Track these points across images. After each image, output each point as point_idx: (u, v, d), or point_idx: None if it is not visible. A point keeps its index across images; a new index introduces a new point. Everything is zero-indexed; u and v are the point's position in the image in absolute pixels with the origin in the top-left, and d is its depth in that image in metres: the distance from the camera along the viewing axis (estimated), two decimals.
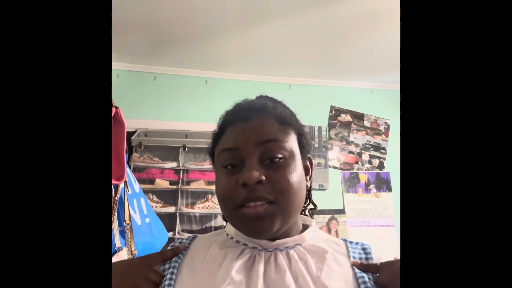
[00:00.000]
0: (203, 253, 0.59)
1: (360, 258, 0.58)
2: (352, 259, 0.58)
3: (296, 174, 0.55)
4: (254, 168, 0.52)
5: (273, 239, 0.56)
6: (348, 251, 0.59)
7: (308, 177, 0.61)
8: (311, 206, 0.65)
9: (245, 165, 0.54)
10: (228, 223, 0.62)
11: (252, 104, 0.61)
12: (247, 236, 0.56)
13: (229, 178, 0.55)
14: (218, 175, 0.58)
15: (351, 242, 0.62)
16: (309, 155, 0.62)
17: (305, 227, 0.62)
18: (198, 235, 0.65)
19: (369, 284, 0.53)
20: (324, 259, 0.56)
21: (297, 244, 0.58)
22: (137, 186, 1.61)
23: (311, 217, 0.66)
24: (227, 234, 0.61)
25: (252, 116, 0.57)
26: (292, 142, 0.57)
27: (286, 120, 0.58)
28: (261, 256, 0.55)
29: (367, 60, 2.44)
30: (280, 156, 0.54)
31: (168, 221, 2.21)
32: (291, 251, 0.56)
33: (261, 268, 0.54)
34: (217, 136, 0.61)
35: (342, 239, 0.63)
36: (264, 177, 0.52)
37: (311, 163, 0.63)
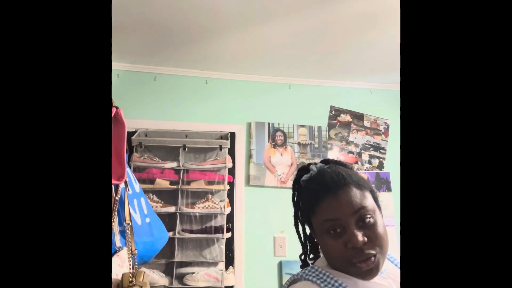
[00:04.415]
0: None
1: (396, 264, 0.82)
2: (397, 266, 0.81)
3: (383, 227, 0.72)
4: (357, 233, 0.69)
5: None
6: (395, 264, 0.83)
7: None
8: None
9: (348, 230, 0.70)
10: (323, 263, 0.77)
11: (334, 180, 0.74)
12: (360, 277, 0.72)
13: (336, 241, 0.71)
14: (323, 239, 0.74)
15: (390, 257, 0.84)
16: (379, 203, 0.78)
17: None
18: (303, 281, 0.76)
19: None
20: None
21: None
22: (137, 186, 1.61)
23: None
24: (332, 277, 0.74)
25: (338, 189, 0.72)
26: (371, 202, 0.74)
27: (361, 184, 0.75)
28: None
29: (367, 60, 2.44)
30: (369, 216, 0.71)
31: (168, 221, 2.21)
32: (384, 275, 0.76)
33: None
34: (311, 206, 0.76)
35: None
36: (366, 239, 0.69)
37: (380, 209, 0.78)
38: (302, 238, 0.85)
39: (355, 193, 0.72)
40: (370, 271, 0.70)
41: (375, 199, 0.76)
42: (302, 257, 0.85)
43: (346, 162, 0.84)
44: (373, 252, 0.69)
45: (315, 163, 0.82)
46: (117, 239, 1.34)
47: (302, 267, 0.84)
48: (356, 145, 2.74)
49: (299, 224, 0.84)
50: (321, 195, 0.74)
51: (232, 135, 2.51)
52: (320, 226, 0.74)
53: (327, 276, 0.72)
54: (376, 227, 0.71)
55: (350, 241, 0.69)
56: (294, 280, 0.76)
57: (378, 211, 0.75)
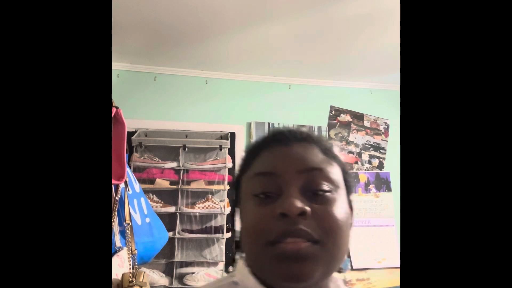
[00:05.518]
0: None
1: None
2: None
3: (345, 213, 0.46)
4: (296, 197, 0.44)
5: None
6: None
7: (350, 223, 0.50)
8: None
9: (284, 193, 0.45)
10: (240, 269, 0.50)
11: (293, 130, 0.52)
12: (280, 283, 0.43)
13: (262, 208, 0.45)
14: (246, 205, 0.48)
15: None
16: (350, 199, 0.52)
17: None
18: None
19: None
20: None
21: None
22: (137, 186, 1.61)
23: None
24: None
25: (294, 142, 0.49)
26: (338, 176, 0.49)
27: (331, 152, 0.51)
28: None
29: (367, 60, 2.44)
30: (326, 188, 0.46)
31: (168, 221, 2.21)
32: None
33: None
34: (247, 160, 0.51)
35: None
36: (308, 209, 0.43)
37: (352, 209, 0.52)
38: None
39: (316, 153, 0.49)
40: (298, 261, 0.41)
41: (347, 181, 0.51)
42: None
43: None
44: (313, 234, 0.42)
45: None
46: (117, 239, 1.34)
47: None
48: (356, 145, 2.74)
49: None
50: (266, 145, 0.50)
51: (232, 135, 2.51)
52: (248, 184, 0.49)
53: None
54: (334, 206, 0.45)
55: (281, 205, 0.43)
56: None
57: (346, 195, 0.49)
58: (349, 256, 2.46)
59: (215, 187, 2.31)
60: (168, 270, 2.21)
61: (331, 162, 0.49)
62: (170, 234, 2.14)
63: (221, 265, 2.26)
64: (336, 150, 0.53)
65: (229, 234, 2.30)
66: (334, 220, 0.44)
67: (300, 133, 0.51)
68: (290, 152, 0.48)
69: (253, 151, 0.51)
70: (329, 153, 0.50)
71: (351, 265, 2.45)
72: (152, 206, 2.00)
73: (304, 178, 0.46)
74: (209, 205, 2.26)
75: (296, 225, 0.42)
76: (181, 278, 2.19)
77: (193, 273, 2.18)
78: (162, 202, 2.24)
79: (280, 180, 0.46)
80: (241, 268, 0.50)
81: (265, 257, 0.43)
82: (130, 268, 1.35)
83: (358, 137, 2.76)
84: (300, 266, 0.41)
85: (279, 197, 0.45)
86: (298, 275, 0.42)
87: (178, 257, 2.21)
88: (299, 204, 0.43)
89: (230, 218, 0.53)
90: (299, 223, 0.42)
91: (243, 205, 0.50)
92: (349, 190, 0.51)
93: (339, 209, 0.45)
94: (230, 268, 0.49)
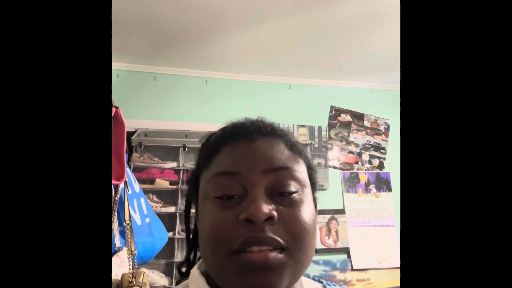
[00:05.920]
0: None
1: None
2: None
3: (312, 215, 0.44)
4: (262, 200, 0.41)
5: None
6: None
7: None
8: None
9: (249, 196, 0.42)
10: (195, 278, 0.47)
11: (256, 123, 0.50)
12: None
13: (224, 212, 0.42)
14: (205, 208, 0.44)
15: (328, 284, 0.56)
16: (315, 196, 0.51)
17: None
18: None
19: None
20: None
21: None
22: (137, 186, 1.61)
23: None
24: None
25: (259, 136, 0.46)
26: (304, 174, 0.47)
27: (297, 147, 0.48)
28: None
29: (367, 60, 2.44)
30: (293, 190, 0.43)
31: (168, 221, 2.21)
32: None
33: None
34: (207, 156, 0.48)
35: (318, 280, 0.56)
36: (276, 214, 0.40)
37: (315, 206, 0.50)
38: (191, 234, 0.57)
39: (282, 150, 0.46)
40: (265, 271, 0.39)
41: (312, 178, 0.50)
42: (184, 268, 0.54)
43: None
44: (281, 241, 0.40)
45: None
46: (116, 239, 1.34)
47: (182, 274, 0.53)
48: (357, 145, 2.74)
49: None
50: (227, 139, 0.47)
51: None
52: (208, 185, 0.45)
53: None
54: (302, 210, 0.42)
55: (246, 210, 0.40)
56: None
57: (311, 194, 0.48)
58: (349, 256, 2.46)
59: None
60: (168, 270, 2.21)
61: (297, 159, 0.47)
62: (170, 234, 2.13)
63: None
64: (301, 144, 0.51)
65: None
66: (302, 224, 0.41)
67: (264, 127, 0.48)
68: (254, 149, 0.45)
69: (213, 146, 0.48)
70: (294, 149, 0.48)
71: (351, 265, 2.45)
72: (152, 206, 2.00)
73: (270, 179, 0.43)
74: None
75: (263, 233, 0.39)
76: None
77: None
78: (162, 202, 2.24)
79: (244, 180, 0.43)
80: (195, 277, 0.47)
81: (228, 267, 0.40)
82: (129, 269, 1.35)
83: (359, 137, 2.76)
84: (267, 277, 0.39)
85: (243, 200, 0.42)
86: (265, 286, 0.39)
87: (178, 257, 2.20)
88: (266, 209, 0.40)
89: (184, 218, 0.59)
90: (266, 229, 0.39)
91: (201, 206, 0.46)
92: (314, 188, 0.49)
93: (307, 211, 0.43)
94: (183, 269, 0.52)
